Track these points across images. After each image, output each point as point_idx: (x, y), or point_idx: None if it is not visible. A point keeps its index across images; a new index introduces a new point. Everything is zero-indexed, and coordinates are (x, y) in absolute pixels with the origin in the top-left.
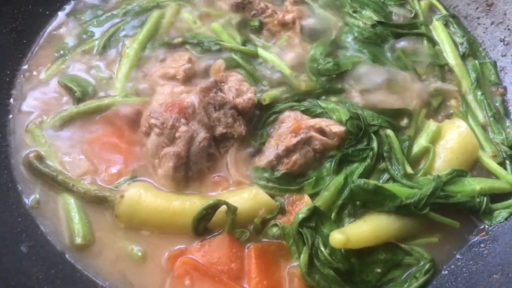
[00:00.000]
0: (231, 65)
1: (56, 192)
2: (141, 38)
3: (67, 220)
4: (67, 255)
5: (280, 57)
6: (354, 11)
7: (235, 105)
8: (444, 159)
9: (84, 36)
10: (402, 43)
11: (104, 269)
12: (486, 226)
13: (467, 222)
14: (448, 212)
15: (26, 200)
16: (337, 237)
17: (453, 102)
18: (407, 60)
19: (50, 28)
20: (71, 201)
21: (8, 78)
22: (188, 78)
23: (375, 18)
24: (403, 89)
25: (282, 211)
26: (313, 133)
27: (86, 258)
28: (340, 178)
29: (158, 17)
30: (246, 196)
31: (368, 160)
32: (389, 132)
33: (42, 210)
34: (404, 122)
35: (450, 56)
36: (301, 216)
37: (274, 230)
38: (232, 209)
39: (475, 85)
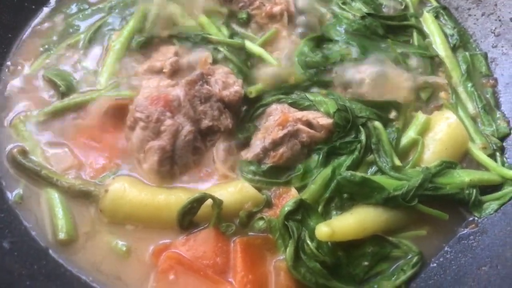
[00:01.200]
0: (219, 58)
1: (40, 187)
2: (127, 32)
3: (50, 215)
4: (50, 251)
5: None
6: (344, 3)
7: (221, 98)
8: (433, 150)
9: (70, 30)
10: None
11: (88, 264)
12: (476, 218)
13: (456, 214)
14: (437, 204)
15: (9, 196)
16: (323, 229)
17: (442, 94)
18: (397, 52)
19: (35, 22)
20: (55, 196)
21: None
22: (175, 72)
23: (365, 10)
24: (392, 81)
25: (268, 204)
26: (300, 126)
27: (69, 253)
28: (327, 171)
29: (145, 10)
30: (232, 190)
31: (356, 153)
32: (377, 124)
33: (26, 205)
34: (393, 114)
35: (441, 48)
36: (287, 209)
37: (260, 223)
38: (217, 203)
39: (466, 76)
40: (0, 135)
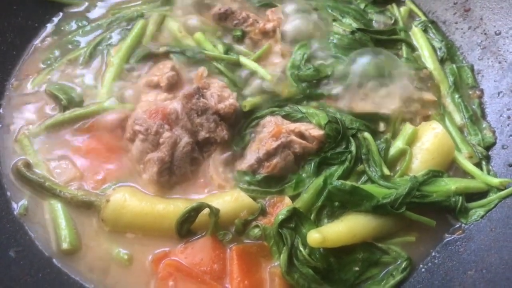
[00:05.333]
0: (214, 73)
1: (44, 198)
2: (125, 47)
3: (54, 226)
4: (54, 260)
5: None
6: (334, 20)
7: (217, 111)
8: (420, 160)
9: (70, 46)
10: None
11: (91, 272)
12: (462, 225)
13: (443, 221)
14: (425, 211)
15: (15, 207)
16: (314, 236)
17: (430, 107)
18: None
19: (38, 39)
20: (58, 207)
21: None
22: (172, 86)
23: (355, 25)
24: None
25: (263, 212)
26: (293, 137)
27: (73, 262)
28: (319, 181)
29: (143, 26)
30: (229, 199)
31: (347, 163)
32: (367, 135)
33: (31, 216)
34: (381, 126)
35: (429, 61)
36: (281, 217)
37: (256, 231)
38: (214, 212)
39: (453, 88)
40: (5, 148)
